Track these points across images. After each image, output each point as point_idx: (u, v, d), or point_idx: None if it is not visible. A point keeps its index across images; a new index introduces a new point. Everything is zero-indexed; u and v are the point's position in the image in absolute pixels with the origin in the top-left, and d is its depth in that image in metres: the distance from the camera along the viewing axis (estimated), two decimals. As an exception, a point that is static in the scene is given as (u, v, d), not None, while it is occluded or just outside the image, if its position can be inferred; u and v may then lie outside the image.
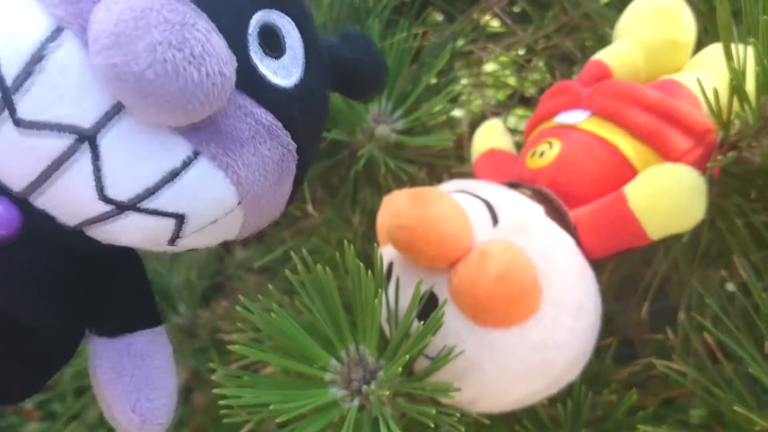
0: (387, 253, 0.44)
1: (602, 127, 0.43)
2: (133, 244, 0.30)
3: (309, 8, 0.32)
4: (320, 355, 0.37)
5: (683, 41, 0.47)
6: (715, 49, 0.46)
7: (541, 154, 0.44)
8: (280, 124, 0.29)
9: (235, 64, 0.26)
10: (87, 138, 0.25)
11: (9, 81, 0.25)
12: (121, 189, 0.26)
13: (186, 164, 0.26)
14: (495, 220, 0.40)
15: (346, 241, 0.38)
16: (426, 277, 0.39)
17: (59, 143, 0.25)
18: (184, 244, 0.30)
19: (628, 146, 0.42)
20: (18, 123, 0.25)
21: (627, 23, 0.49)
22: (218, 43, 0.25)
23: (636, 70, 0.48)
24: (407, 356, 0.35)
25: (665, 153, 0.41)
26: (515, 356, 0.37)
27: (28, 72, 0.24)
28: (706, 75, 0.44)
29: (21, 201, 0.28)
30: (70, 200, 0.27)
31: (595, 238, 0.41)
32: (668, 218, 0.39)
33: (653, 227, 0.39)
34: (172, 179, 0.27)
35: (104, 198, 0.26)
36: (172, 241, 0.29)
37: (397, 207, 0.39)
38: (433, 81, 0.57)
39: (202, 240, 0.31)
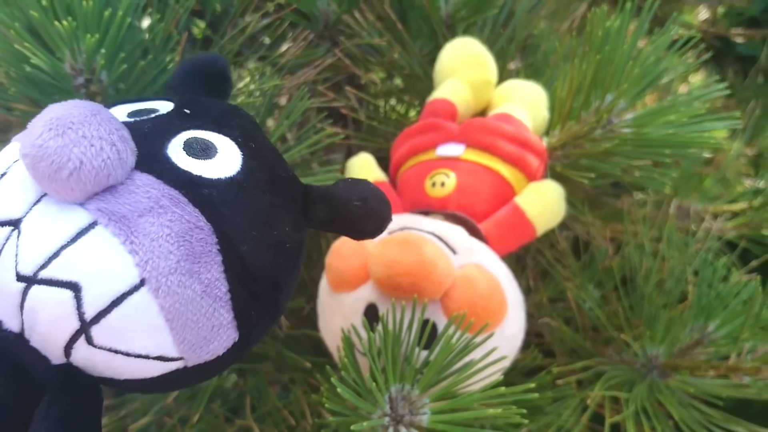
0: (360, 296, 0.48)
1: (481, 156, 0.55)
2: (46, 334, 0.30)
3: (258, 133, 0.37)
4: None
5: (493, 80, 0.62)
6: (513, 86, 0.63)
7: (442, 184, 0.54)
8: (185, 199, 0.31)
9: (128, 142, 0.30)
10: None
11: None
12: (27, 262, 0.29)
13: (82, 231, 0.29)
14: (452, 249, 0.49)
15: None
16: (418, 310, 0.45)
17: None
18: (102, 341, 0.30)
19: (505, 170, 0.55)
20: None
21: (449, 66, 0.62)
22: (109, 128, 0.29)
23: (468, 105, 0.61)
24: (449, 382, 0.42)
25: (528, 172, 0.56)
26: (500, 349, 0.48)
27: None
28: (520, 108, 0.60)
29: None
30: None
31: (503, 244, 0.53)
32: (552, 220, 0.54)
33: (541, 228, 0.54)
34: (68, 245, 0.29)
35: (17, 275, 0.29)
36: (84, 328, 0.29)
37: (389, 257, 0.45)
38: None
39: (122, 342, 0.30)
